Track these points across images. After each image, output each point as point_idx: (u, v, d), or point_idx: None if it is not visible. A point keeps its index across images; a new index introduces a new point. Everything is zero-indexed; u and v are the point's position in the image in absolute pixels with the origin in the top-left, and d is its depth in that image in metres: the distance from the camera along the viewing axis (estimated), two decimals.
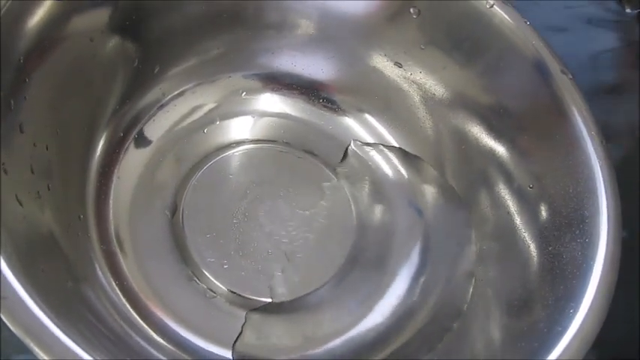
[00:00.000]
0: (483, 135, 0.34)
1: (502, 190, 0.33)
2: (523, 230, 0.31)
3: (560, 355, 0.24)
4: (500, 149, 0.33)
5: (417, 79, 0.36)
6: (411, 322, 0.32)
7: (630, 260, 0.35)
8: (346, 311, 0.32)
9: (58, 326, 0.20)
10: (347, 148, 0.37)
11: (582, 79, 0.32)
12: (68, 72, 0.29)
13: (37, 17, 0.27)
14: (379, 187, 0.36)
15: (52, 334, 0.20)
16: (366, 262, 0.34)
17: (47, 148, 0.28)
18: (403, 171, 0.37)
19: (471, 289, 0.32)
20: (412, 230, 0.35)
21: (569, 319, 0.25)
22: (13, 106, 0.26)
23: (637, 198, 0.38)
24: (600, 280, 0.26)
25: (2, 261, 0.21)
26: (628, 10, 0.47)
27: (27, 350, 0.20)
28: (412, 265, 0.34)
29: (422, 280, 0.33)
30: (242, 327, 0.31)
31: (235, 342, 0.30)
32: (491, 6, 0.33)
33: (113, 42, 0.32)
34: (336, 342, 0.32)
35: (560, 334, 0.25)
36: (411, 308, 0.32)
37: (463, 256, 0.33)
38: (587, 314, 0.25)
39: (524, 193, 0.32)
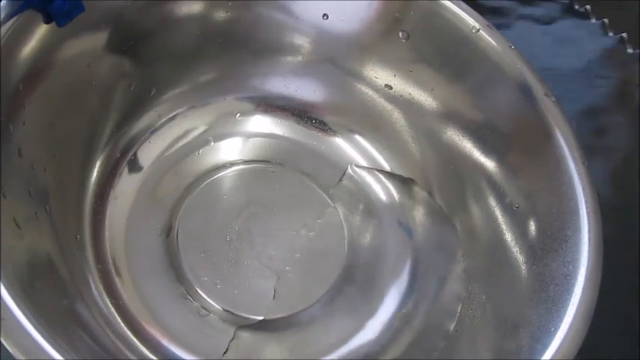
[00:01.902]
0: (471, 153, 0.35)
1: (489, 210, 0.34)
2: (509, 249, 0.32)
3: None
4: (488, 167, 0.34)
5: (406, 100, 0.37)
6: (400, 339, 0.33)
7: (630, 266, 0.36)
8: (337, 329, 0.33)
9: (53, 347, 0.21)
10: (344, 172, 0.38)
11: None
12: (65, 96, 0.30)
13: (34, 44, 0.28)
14: (370, 208, 0.37)
15: (49, 355, 0.21)
16: (357, 281, 0.34)
17: (45, 171, 0.29)
18: (394, 193, 0.37)
19: (460, 307, 0.32)
20: (402, 250, 0.36)
21: (550, 337, 0.26)
22: (12, 131, 0.27)
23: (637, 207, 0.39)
24: (580, 300, 0.26)
25: (1, 282, 0.22)
26: (630, 51, 0.47)
27: None
28: (402, 283, 0.35)
29: (411, 298, 0.34)
30: (229, 343, 0.31)
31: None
32: (477, 30, 0.34)
33: (110, 67, 0.33)
34: (328, 359, 0.32)
35: (541, 351, 0.25)
36: (400, 326, 0.33)
37: (451, 275, 0.34)
38: (567, 333, 0.26)
39: (511, 212, 0.33)
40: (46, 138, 0.29)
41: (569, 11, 0.49)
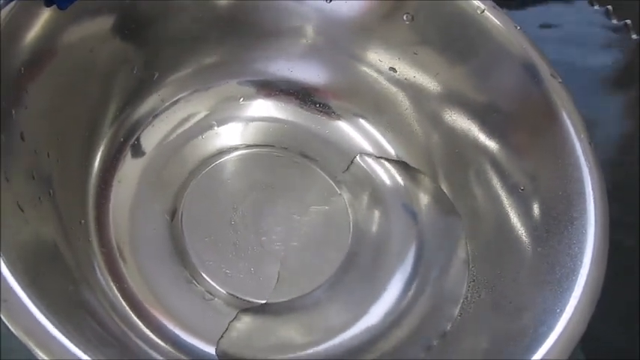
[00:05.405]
0: (476, 135, 0.35)
1: (494, 192, 0.33)
2: (515, 231, 0.32)
3: (546, 355, 0.25)
4: (492, 149, 0.34)
5: (410, 83, 0.37)
6: (405, 324, 0.33)
7: (630, 261, 0.36)
8: (341, 313, 0.33)
9: (57, 328, 0.21)
10: (352, 161, 0.38)
11: None
12: (68, 81, 0.30)
13: (36, 28, 0.28)
14: (375, 192, 0.37)
15: (52, 336, 0.21)
16: (361, 265, 0.34)
17: (48, 155, 0.29)
18: (399, 178, 0.37)
19: (464, 291, 0.32)
20: (407, 234, 0.35)
21: (556, 319, 0.25)
22: (14, 116, 0.27)
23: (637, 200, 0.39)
24: (586, 281, 0.26)
25: (3, 265, 0.22)
26: (634, 37, 0.46)
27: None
28: (406, 268, 0.34)
29: (416, 282, 0.34)
30: (229, 324, 0.31)
31: (220, 339, 0.31)
32: (482, 11, 0.33)
33: (112, 51, 0.33)
34: (331, 343, 0.32)
35: (546, 333, 0.25)
36: (405, 310, 0.33)
37: (456, 259, 0.33)
38: (572, 315, 0.25)
39: (517, 194, 0.32)
40: (49, 122, 0.29)
41: None
